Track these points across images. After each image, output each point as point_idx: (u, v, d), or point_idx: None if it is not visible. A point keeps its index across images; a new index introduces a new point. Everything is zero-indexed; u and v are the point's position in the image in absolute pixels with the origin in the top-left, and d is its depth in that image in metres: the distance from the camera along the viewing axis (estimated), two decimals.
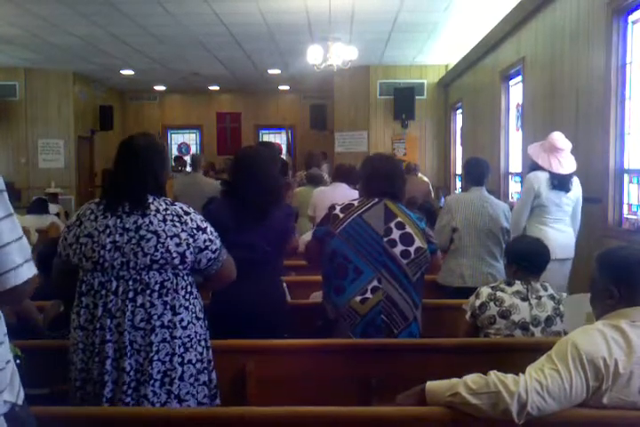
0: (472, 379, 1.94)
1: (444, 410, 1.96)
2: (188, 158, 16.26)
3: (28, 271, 1.51)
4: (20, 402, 1.52)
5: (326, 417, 2.05)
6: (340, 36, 9.02)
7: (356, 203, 3.01)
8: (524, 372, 1.92)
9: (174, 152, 16.77)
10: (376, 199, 2.98)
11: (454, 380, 1.97)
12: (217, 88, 15.76)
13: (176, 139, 16.98)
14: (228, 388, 2.67)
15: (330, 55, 8.46)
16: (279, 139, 16.28)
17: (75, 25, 8.80)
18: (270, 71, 13.06)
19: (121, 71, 12.90)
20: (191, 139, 16.99)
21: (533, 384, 1.86)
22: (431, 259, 3.03)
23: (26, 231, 6.59)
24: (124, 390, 2.26)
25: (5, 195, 1.51)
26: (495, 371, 1.95)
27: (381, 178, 3.03)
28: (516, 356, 2.48)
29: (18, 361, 2.14)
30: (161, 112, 16.46)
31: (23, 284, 1.50)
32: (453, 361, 2.64)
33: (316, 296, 3.76)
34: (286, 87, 15.54)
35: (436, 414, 1.97)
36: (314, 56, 8.47)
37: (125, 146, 2.46)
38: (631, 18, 4.99)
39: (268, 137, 16.26)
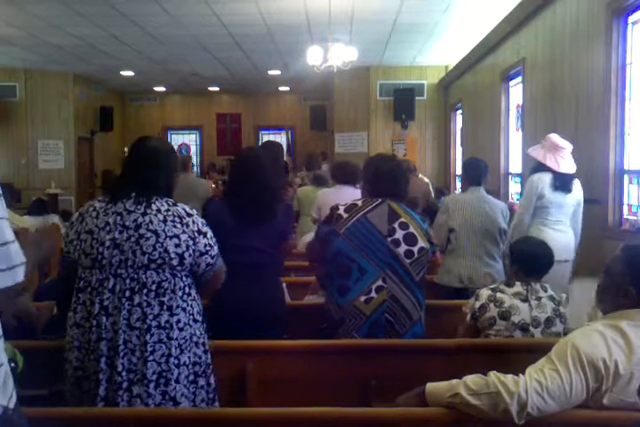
0: (472, 380, 1.94)
1: (444, 411, 1.96)
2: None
3: (8, 279, 1.45)
4: (11, 406, 1.49)
5: (326, 418, 2.05)
6: (340, 36, 9.01)
7: (359, 203, 3.01)
8: (523, 372, 1.92)
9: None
10: (379, 200, 2.99)
11: (454, 381, 1.97)
12: (217, 89, 15.77)
13: (176, 139, 16.98)
14: (227, 389, 2.67)
15: (330, 56, 8.45)
16: (279, 139, 16.28)
17: (74, 26, 8.81)
18: (270, 72, 13.06)
19: (121, 72, 12.91)
20: (191, 140, 17.00)
21: (533, 385, 1.86)
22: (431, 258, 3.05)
23: (25, 231, 6.58)
24: (114, 390, 2.25)
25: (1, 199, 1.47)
26: (495, 371, 1.95)
27: (385, 179, 3.04)
28: (515, 356, 2.48)
29: (12, 364, 2.13)
30: (161, 113, 16.47)
31: None
32: (453, 362, 2.63)
33: (308, 299, 3.77)
34: (286, 88, 15.55)
35: (436, 415, 1.97)
36: (314, 57, 8.46)
37: (142, 145, 2.47)
38: (631, 18, 4.99)
39: (268, 138, 16.25)
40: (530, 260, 2.97)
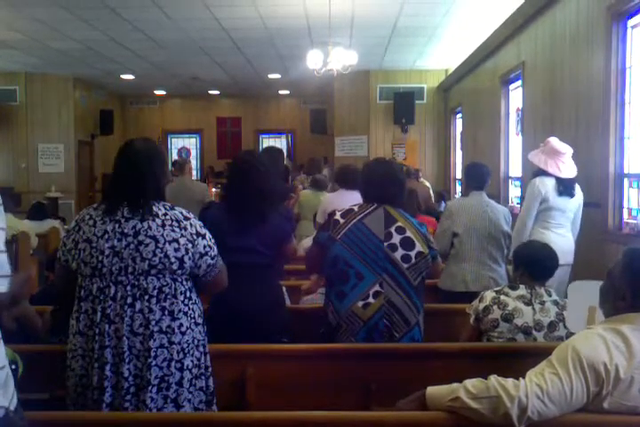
0: (472, 383, 1.94)
1: (444, 415, 1.96)
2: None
3: None
4: (12, 407, 1.50)
5: (326, 422, 2.04)
6: (340, 40, 9.03)
7: (356, 208, 3.00)
8: (524, 376, 1.92)
9: (174, 157, 16.80)
10: (375, 204, 2.99)
11: (455, 385, 1.97)
12: (217, 93, 15.79)
13: (176, 143, 17.00)
14: (227, 392, 2.66)
15: (330, 60, 8.45)
16: (279, 143, 16.28)
17: (75, 30, 8.82)
18: (270, 76, 13.08)
19: (121, 76, 12.92)
20: (191, 143, 17.01)
21: (534, 389, 1.86)
22: (432, 265, 3.01)
23: (26, 235, 6.59)
24: (122, 396, 2.25)
25: None
26: (495, 375, 1.95)
27: (376, 183, 3.03)
28: (516, 360, 2.47)
29: (13, 366, 2.13)
30: (161, 116, 16.49)
31: None
32: (454, 366, 2.63)
33: (306, 300, 3.77)
34: (286, 92, 15.57)
35: (436, 419, 1.97)
36: (314, 61, 8.47)
37: (125, 150, 2.45)
38: (631, 22, 5.00)
39: (268, 141, 16.26)
40: (535, 263, 2.98)
